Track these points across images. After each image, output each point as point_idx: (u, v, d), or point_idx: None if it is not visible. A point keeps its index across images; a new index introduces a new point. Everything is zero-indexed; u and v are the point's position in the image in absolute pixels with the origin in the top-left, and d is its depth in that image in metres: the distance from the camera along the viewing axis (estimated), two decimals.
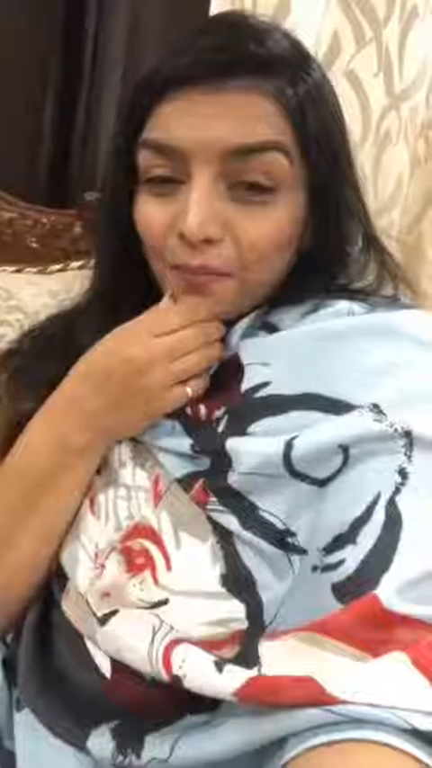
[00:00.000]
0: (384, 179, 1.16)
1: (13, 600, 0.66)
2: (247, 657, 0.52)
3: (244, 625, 0.55)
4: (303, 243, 0.65)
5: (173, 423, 0.64)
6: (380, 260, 0.70)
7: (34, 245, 1.00)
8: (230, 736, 0.50)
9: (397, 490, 0.53)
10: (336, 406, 0.57)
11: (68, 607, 0.62)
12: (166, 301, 0.65)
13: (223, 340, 0.66)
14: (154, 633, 0.55)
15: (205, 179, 0.60)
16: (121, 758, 0.55)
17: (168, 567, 0.59)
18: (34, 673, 0.63)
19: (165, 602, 0.57)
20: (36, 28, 1.02)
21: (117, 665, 0.57)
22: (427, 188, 1.28)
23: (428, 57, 1.15)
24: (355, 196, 0.68)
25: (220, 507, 0.59)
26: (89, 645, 0.60)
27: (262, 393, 0.60)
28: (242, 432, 0.59)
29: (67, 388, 0.65)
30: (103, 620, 0.58)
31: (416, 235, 1.30)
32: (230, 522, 0.58)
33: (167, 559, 0.59)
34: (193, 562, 0.58)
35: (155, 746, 0.54)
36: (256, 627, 0.55)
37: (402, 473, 0.53)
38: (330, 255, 0.67)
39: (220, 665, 0.51)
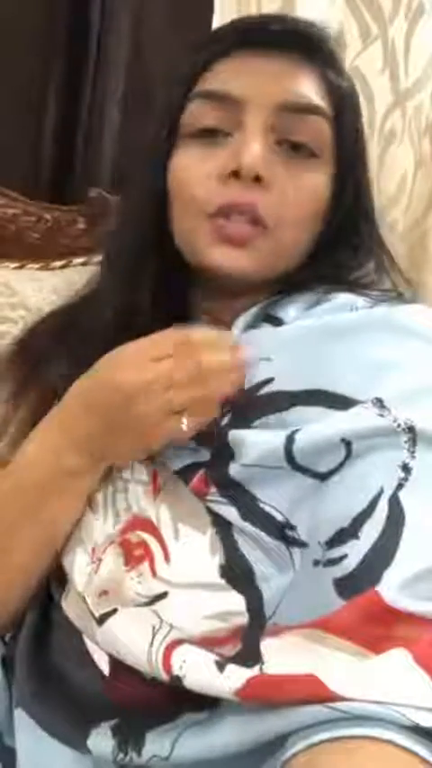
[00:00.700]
0: (388, 177, 1.16)
1: (12, 600, 0.66)
2: (249, 655, 0.51)
3: (245, 619, 0.55)
4: (326, 220, 0.67)
5: None
6: (383, 257, 0.71)
7: (37, 241, 1.00)
8: (232, 733, 0.49)
9: (400, 486, 0.52)
10: (339, 402, 0.57)
11: (68, 606, 0.62)
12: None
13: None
14: (153, 634, 0.55)
15: (260, 125, 0.63)
16: (121, 756, 0.55)
17: (167, 559, 0.58)
18: (31, 674, 0.62)
19: (164, 595, 0.57)
20: (40, 26, 1.02)
21: (116, 663, 0.57)
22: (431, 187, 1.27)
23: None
24: (368, 191, 0.72)
25: (220, 498, 0.58)
26: (88, 643, 0.60)
27: (266, 390, 0.60)
28: (245, 427, 0.59)
29: (64, 405, 0.63)
30: (102, 620, 0.58)
31: (420, 232, 1.30)
32: (230, 513, 0.58)
33: (166, 551, 0.59)
34: (192, 553, 0.58)
35: (156, 744, 0.53)
36: (257, 621, 0.55)
37: (405, 468, 0.53)
38: (348, 237, 0.69)
39: (221, 665, 0.51)
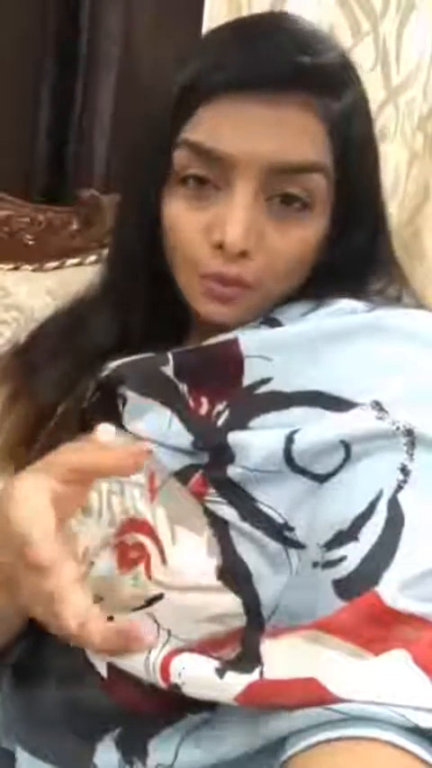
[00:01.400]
0: (382, 172, 1.16)
1: None
2: (249, 658, 0.51)
3: (242, 621, 0.55)
4: (325, 254, 0.64)
5: (170, 415, 0.63)
6: (390, 266, 0.70)
7: (31, 242, 1.00)
8: (233, 737, 0.50)
9: (399, 488, 0.52)
10: (337, 404, 0.56)
11: None
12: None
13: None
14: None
15: (248, 191, 0.59)
16: None
17: (163, 561, 0.58)
18: (24, 703, 0.62)
19: (159, 597, 0.57)
20: (31, 27, 1.02)
21: (114, 666, 0.57)
22: (426, 182, 1.28)
23: (425, 50, 1.14)
24: (382, 210, 0.68)
25: (219, 499, 0.58)
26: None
27: (264, 389, 0.60)
28: (243, 427, 0.59)
29: None
30: None
31: (413, 228, 1.30)
32: (229, 513, 0.58)
33: (163, 553, 0.59)
34: (189, 555, 0.58)
35: (159, 752, 0.53)
36: (255, 622, 0.55)
37: (404, 471, 0.53)
38: (351, 267, 0.66)
39: (221, 672, 0.51)
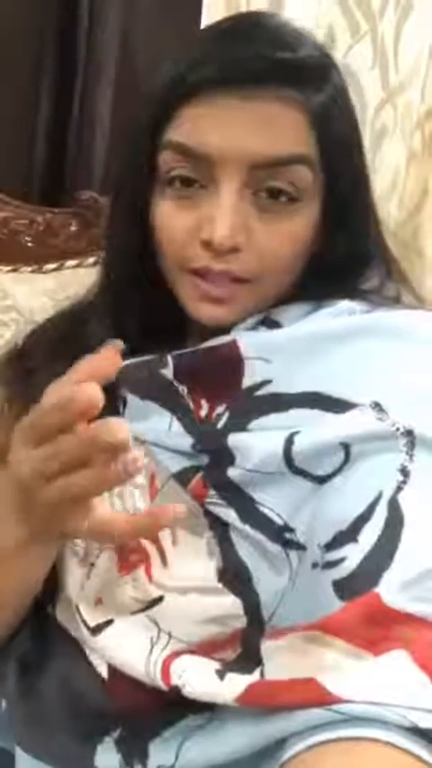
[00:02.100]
0: (380, 172, 1.16)
1: None
2: (249, 658, 0.52)
3: (243, 623, 0.55)
4: (316, 248, 0.64)
5: (170, 417, 0.63)
6: (386, 263, 0.70)
7: (30, 244, 1.00)
8: (234, 739, 0.50)
9: (399, 489, 0.52)
10: (337, 405, 0.57)
11: (60, 613, 0.62)
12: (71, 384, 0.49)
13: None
14: (152, 644, 0.55)
15: (233, 187, 0.59)
16: None
17: (164, 563, 0.58)
18: (25, 702, 0.62)
19: (159, 599, 0.57)
20: (30, 27, 1.02)
21: (114, 668, 0.57)
22: (424, 181, 1.28)
23: (423, 50, 1.14)
24: (369, 201, 0.68)
25: (219, 501, 0.58)
26: (85, 647, 0.60)
27: (263, 391, 0.60)
28: (243, 429, 0.59)
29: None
30: (96, 630, 0.58)
31: (412, 227, 1.30)
32: (229, 515, 0.58)
33: (163, 555, 0.59)
34: (189, 557, 0.58)
35: (160, 753, 0.53)
36: (256, 623, 0.55)
37: (404, 471, 0.53)
38: (347, 261, 0.66)
39: (221, 673, 0.51)
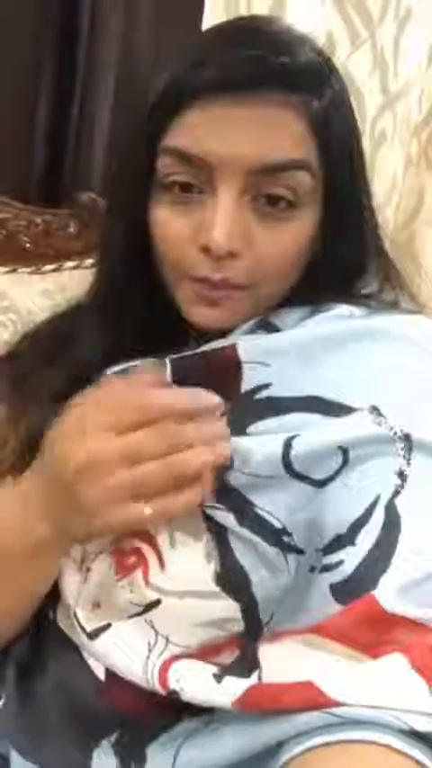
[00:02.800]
0: (379, 178, 1.17)
1: None
2: (247, 662, 0.52)
3: (240, 626, 0.55)
4: (315, 252, 0.65)
5: None
6: (385, 268, 0.70)
7: (28, 245, 1.00)
8: (231, 742, 0.50)
9: (396, 492, 0.53)
10: (335, 409, 0.57)
11: (62, 619, 0.62)
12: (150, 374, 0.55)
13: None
14: (150, 649, 0.55)
15: (232, 193, 0.59)
16: None
17: (162, 567, 0.58)
18: (22, 706, 0.62)
19: (157, 603, 0.57)
20: (30, 28, 1.02)
21: (111, 670, 0.57)
22: (420, 187, 1.29)
23: (422, 58, 1.15)
24: (368, 206, 0.68)
25: (218, 505, 0.58)
26: (83, 651, 0.60)
27: (262, 394, 0.60)
28: (242, 432, 0.59)
29: (31, 471, 0.61)
30: (93, 635, 0.58)
31: (408, 233, 1.31)
32: (227, 519, 0.58)
33: (161, 558, 0.59)
34: (187, 561, 0.58)
35: (157, 757, 0.53)
36: (254, 627, 0.55)
37: (401, 476, 0.53)
38: (346, 265, 0.67)
39: (219, 677, 0.51)
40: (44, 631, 0.64)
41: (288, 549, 0.56)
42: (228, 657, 0.53)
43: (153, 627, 0.56)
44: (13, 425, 0.68)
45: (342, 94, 0.64)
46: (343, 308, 0.64)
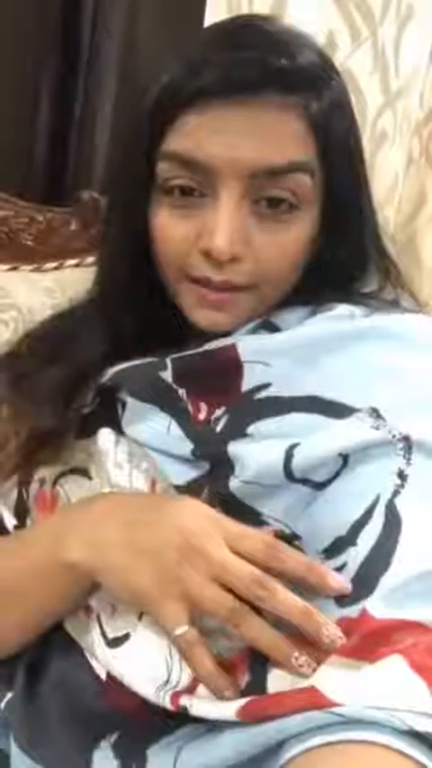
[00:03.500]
0: (380, 177, 1.17)
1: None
2: (256, 688, 0.52)
3: None
4: (316, 252, 0.65)
5: (169, 420, 0.63)
6: (385, 267, 0.70)
7: (30, 242, 1.00)
8: (231, 745, 0.49)
9: (396, 492, 0.53)
10: (335, 410, 0.57)
11: (69, 622, 0.63)
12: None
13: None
14: (168, 671, 0.54)
15: (233, 196, 0.60)
16: None
17: None
18: (27, 703, 0.62)
19: None
20: (32, 27, 1.02)
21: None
22: (421, 186, 1.28)
23: (423, 56, 1.15)
24: (369, 206, 0.68)
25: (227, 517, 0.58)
26: (86, 652, 0.60)
27: (263, 394, 0.60)
28: (242, 433, 0.59)
29: (87, 502, 0.62)
30: (114, 644, 0.58)
31: (409, 232, 1.31)
32: None
33: None
34: None
35: (157, 760, 0.53)
36: None
37: (401, 475, 0.54)
38: (346, 265, 0.67)
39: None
40: (50, 632, 0.64)
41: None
42: (240, 678, 0.53)
43: (169, 646, 0.56)
44: (14, 426, 0.68)
45: (342, 95, 0.64)
46: (343, 308, 0.64)
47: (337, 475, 0.55)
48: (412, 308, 0.69)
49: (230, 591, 0.52)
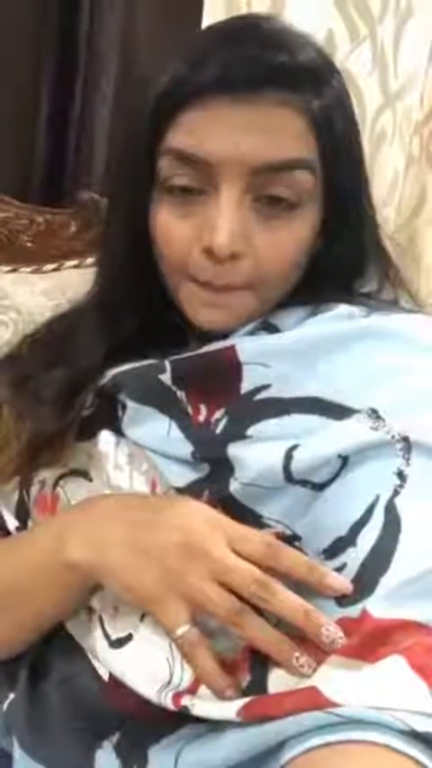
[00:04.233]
0: (379, 177, 1.17)
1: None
2: (257, 688, 0.52)
3: None
4: (315, 251, 0.65)
5: (169, 422, 0.63)
6: (384, 267, 0.70)
7: (29, 244, 1.00)
8: (232, 745, 0.49)
9: (396, 492, 0.53)
10: (334, 411, 0.57)
11: (72, 624, 0.62)
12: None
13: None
14: (170, 673, 0.54)
15: (234, 193, 0.59)
16: None
17: None
18: (29, 702, 0.62)
19: None
20: (30, 27, 1.02)
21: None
22: (422, 186, 1.28)
23: (422, 56, 1.15)
24: (369, 205, 0.68)
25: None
26: (88, 652, 0.60)
27: (262, 395, 0.60)
28: (242, 435, 0.59)
29: (89, 503, 0.62)
30: (117, 644, 0.58)
31: (410, 231, 1.31)
32: None
33: None
34: None
35: (159, 760, 0.53)
36: None
37: (401, 475, 0.53)
38: (346, 265, 0.67)
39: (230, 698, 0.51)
40: (52, 633, 0.64)
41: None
42: (241, 679, 0.53)
43: (170, 646, 0.55)
44: (15, 428, 0.68)
45: (342, 94, 0.64)
46: (343, 308, 0.64)
47: (336, 476, 0.55)
48: (411, 308, 0.69)
49: (232, 591, 0.52)
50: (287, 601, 0.51)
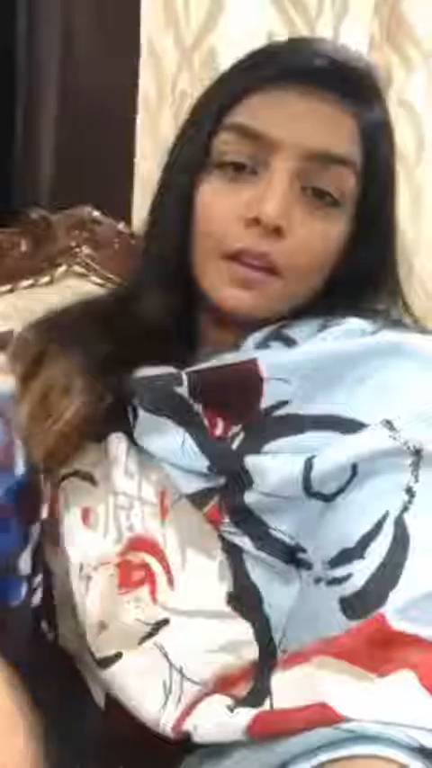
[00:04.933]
0: None
1: None
2: (260, 692, 0.52)
3: (255, 652, 0.55)
4: (339, 261, 0.66)
5: (183, 435, 0.62)
6: (393, 287, 0.71)
7: None
8: (242, 764, 0.49)
9: (405, 508, 0.54)
10: (351, 427, 0.57)
11: (64, 641, 0.62)
12: None
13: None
14: (166, 695, 0.54)
15: (286, 174, 0.62)
16: None
17: (171, 585, 0.58)
18: None
19: (165, 622, 0.56)
20: None
21: (112, 698, 0.56)
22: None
23: (361, 51, 1.15)
24: (394, 225, 0.71)
25: (233, 529, 0.58)
26: (84, 674, 0.59)
27: (281, 412, 0.60)
28: (258, 450, 0.59)
29: None
30: (104, 664, 0.57)
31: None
32: (243, 542, 0.58)
33: (170, 576, 0.58)
34: (199, 580, 0.58)
35: None
36: (267, 651, 0.55)
37: (409, 492, 0.54)
38: (364, 278, 0.68)
39: (231, 708, 0.51)
40: (42, 655, 0.62)
41: (301, 564, 0.56)
42: (243, 689, 0.53)
43: (167, 657, 0.55)
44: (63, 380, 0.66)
45: (388, 116, 0.69)
46: (354, 322, 0.64)
47: (345, 486, 0.55)
48: (417, 327, 0.70)
49: None
50: None
